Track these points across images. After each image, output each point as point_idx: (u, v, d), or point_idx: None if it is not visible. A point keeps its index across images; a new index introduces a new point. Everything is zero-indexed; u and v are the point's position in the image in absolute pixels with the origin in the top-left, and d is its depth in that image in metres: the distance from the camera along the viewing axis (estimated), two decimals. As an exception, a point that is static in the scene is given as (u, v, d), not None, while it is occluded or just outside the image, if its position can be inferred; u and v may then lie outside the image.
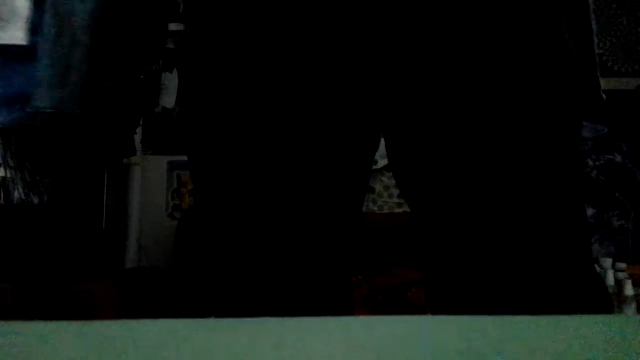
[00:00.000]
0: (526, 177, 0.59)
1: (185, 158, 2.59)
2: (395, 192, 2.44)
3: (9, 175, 1.96)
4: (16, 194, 1.98)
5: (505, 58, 0.58)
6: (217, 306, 0.68)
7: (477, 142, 0.59)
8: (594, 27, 0.65)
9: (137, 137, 2.62)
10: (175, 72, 3.09)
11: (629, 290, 1.69)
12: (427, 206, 0.63)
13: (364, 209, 0.71)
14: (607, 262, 1.80)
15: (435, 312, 0.65)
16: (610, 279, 1.73)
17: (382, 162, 2.07)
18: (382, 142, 0.67)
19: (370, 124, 0.63)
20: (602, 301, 0.61)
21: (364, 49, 0.59)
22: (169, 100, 2.66)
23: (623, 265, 1.81)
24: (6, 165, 1.94)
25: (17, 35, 0.61)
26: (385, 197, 2.48)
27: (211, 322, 0.30)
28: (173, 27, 2.99)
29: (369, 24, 0.58)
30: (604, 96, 0.66)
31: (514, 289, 0.58)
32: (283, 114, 0.60)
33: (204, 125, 0.64)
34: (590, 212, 2.03)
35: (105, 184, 2.65)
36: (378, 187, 2.45)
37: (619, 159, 2.17)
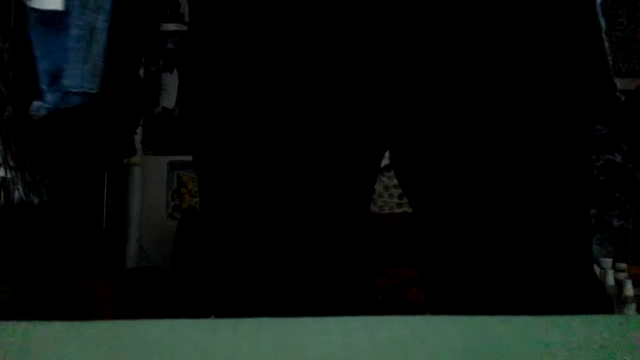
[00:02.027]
0: (528, 179, 0.58)
1: (185, 158, 2.59)
2: (395, 192, 2.44)
3: (9, 175, 1.96)
4: (16, 194, 1.98)
5: (510, 61, 0.58)
6: (220, 305, 0.68)
7: (481, 145, 0.58)
8: (603, 24, 0.62)
9: (137, 137, 2.62)
10: (175, 72, 3.09)
11: (629, 290, 1.69)
12: (430, 207, 0.63)
13: (364, 209, 0.71)
14: (607, 262, 1.80)
15: (434, 311, 0.65)
16: (610, 279, 1.73)
17: (382, 162, 2.07)
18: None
19: (378, 126, 0.63)
20: (600, 303, 0.61)
21: (373, 52, 0.59)
22: (169, 100, 2.66)
23: (623, 265, 1.81)
24: (6, 165, 1.94)
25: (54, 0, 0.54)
26: (385, 197, 2.48)
27: (211, 322, 0.30)
28: (172, 27, 2.98)
29: (380, 32, 0.58)
30: (622, 96, 0.63)
31: (513, 290, 0.58)
32: (291, 116, 0.60)
33: (210, 127, 0.64)
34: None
35: (105, 184, 2.65)
36: (378, 187, 2.45)
37: (619, 158, 2.17)
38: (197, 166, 0.67)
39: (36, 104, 0.50)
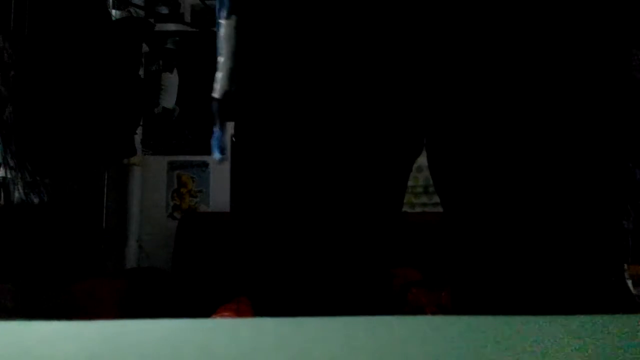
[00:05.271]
0: (565, 184, 0.58)
1: (185, 158, 2.59)
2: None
3: (9, 175, 1.96)
4: (16, 194, 1.98)
5: (549, 64, 0.58)
6: (255, 300, 0.68)
7: (522, 147, 0.58)
8: None
9: (137, 137, 2.62)
10: (175, 72, 3.08)
11: (629, 290, 1.69)
12: (465, 207, 0.63)
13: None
14: (607, 262, 1.80)
15: (461, 311, 0.65)
16: (610, 279, 1.73)
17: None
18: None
19: (414, 127, 0.63)
20: (627, 309, 0.61)
21: (410, 56, 0.59)
22: (169, 100, 2.66)
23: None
24: (6, 165, 1.94)
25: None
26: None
27: (211, 322, 0.30)
28: (172, 27, 2.97)
29: (419, 33, 0.58)
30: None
31: (544, 291, 0.58)
32: (330, 115, 0.61)
33: (255, 125, 0.65)
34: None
35: (105, 184, 2.65)
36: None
37: (619, 158, 2.17)
38: (239, 162, 0.68)
39: (217, 155, 0.70)
